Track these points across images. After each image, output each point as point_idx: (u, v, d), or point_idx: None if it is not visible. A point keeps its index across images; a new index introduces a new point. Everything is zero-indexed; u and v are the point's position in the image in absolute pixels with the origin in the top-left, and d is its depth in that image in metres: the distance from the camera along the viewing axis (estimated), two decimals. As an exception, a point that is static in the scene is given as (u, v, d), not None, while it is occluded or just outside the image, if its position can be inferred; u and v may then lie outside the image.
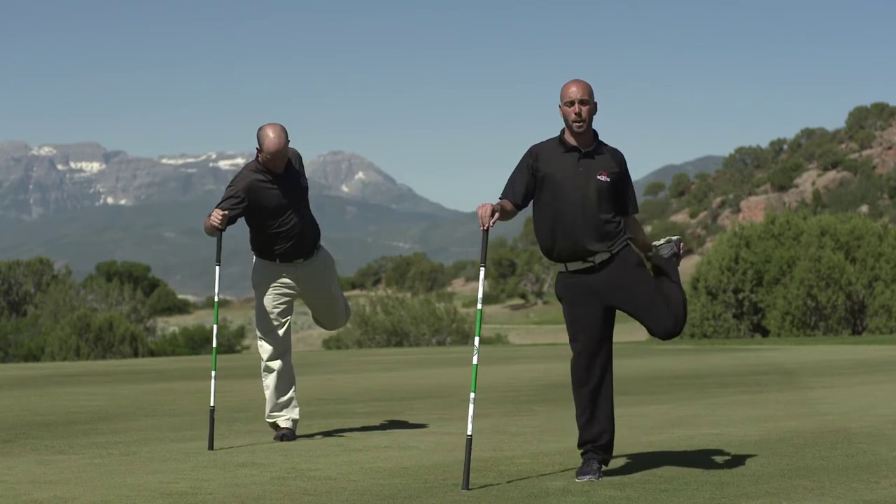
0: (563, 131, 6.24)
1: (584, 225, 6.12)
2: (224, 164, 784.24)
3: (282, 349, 7.91)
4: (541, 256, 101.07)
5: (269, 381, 7.91)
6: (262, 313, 7.93)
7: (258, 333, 7.98)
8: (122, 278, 74.49)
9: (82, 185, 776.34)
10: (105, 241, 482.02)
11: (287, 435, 7.83)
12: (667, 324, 6.19)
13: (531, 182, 6.21)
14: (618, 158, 6.24)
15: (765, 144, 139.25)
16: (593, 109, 6.17)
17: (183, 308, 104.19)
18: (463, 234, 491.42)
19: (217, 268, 7.80)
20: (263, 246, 7.90)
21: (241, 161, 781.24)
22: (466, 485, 5.82)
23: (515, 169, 6.25)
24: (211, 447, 7.31)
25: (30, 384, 13.85)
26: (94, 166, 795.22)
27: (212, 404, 7.66)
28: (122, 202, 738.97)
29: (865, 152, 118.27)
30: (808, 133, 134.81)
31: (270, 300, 7.91)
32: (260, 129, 7.67)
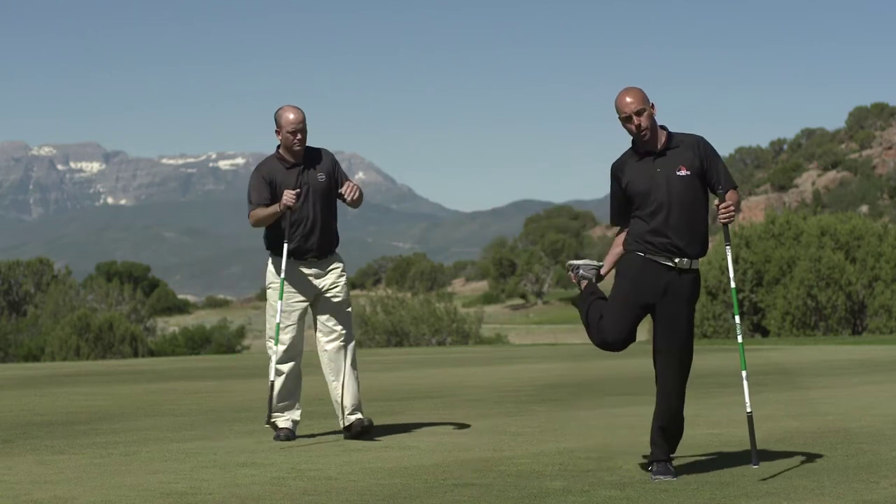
0: (633, 140, 6.25)
1: (676, 225, 6.09)
2: (224, 164, 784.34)
3: (293, 352, 7.83)
4: (541, 257, 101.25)
5: (276, 383, 7.83)
6: (273, 313, 7.81)
7: (268, 335, 7.89)
8: (122, 278, 74.55)
9: (82, 185, 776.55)
10: (105, 241, 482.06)
11: (287, 434, 7.82)
12: (666, 378, 6.35)
13: (625, 199, 6.23)
14: (695, 147, 6.19)
15: (765, 144, 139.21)
16: (650, 114, 6.14)
17: (183, 308, 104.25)
18: (463, 234, 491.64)
19: (286, 244, 7.66)
20: (276, 236, 7.78)
21: (240, 161, 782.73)
22: (756, 460, 6.26)
23: (610, 194, 6.30)
24: (269, 422, 7.72)
25: (30, 384, 13.85)
26: (94, 166, 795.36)
27: (271, 378, 7.74)
28: (122, 202, 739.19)
29: (865, 152, 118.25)
30: (808, 133, 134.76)
31: (283, 300, 7.77)
32: (279, 109, 7.71)
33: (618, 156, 6.34)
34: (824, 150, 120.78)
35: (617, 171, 6.25)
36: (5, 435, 8.22)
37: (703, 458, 6.80)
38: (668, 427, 6.25)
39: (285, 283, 7.76)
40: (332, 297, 7.80)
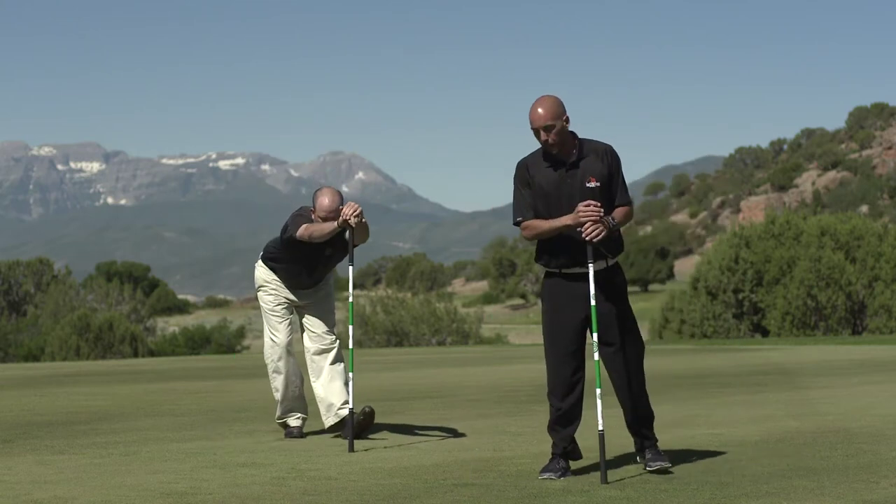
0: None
1: (579, 236, 6.12)
2: (224, 164, 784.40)
3: (287, 350, 7.96)
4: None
5: (278, 384, 7.96)
6: (265, 313, 8.02)
7: (266, 334, 8.05)
8: (122, 278, 74.51)
9: (82, 185, 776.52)
10: (105, 241, 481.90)
11: (295, 432, 7.93)
12: (621, 383, 6.30)
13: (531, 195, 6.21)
14: (604, 157, 6.19)
15: (765, 144, 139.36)
16: (562, 129, 6.09)
17: (183, 308, 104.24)
18: (463, 234, 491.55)
19: (350, 267, 7.66)
20: (278, 260, 7.96)
21: (240, 161, 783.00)
22: (605, 479, 5.97)
23: (515, 190, 6.23)
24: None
25: (30, 384, 13.85)
26: (94, 166, 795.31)
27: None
28: (122, 202, 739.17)
29: (865, 152, 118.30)
30: (808, 133, 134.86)
31: (272, 299, 8.00)
32: (316, 191, 7.74)
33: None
34: (824, 150, 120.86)
35: (526, 166, 6.22)
36: (5, 435, 8.22)
37: (703, 458, 6.79)
38: (649, 433, 6.42)
39: (273, 284, 7.99)
40: (316, 301, 8.00)
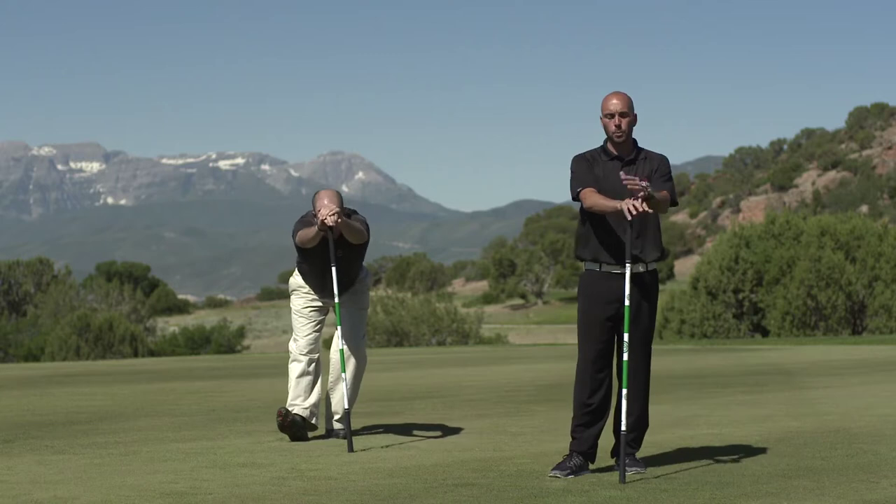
0: (605, 142, 6.40)
1: (635, 230, 6.22)
2: (224, 164, 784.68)
3: (308, 349, 7.95)
4: (541, 257, 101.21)
5: (292, 374, 7.95)
6: (292, 314, 8.05)
7: (293, 336, 8.08)
8: (122, 278, 74.60)
9: (82, 185, 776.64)
10: (105, 241, 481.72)
11: (297, 420, 7.85)
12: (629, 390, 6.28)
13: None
14: (657, 163, 6.36)
15: (765, 144, 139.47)
16: (633, 121, 6.33)
17: (183, 308, 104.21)
18: (463, 234, 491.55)
19: (333, 268, 7.66)
20: (302, 269, 8.01)
21: (240, 161, 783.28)
22: (623, 479, 6.01)
23: (577, 169, 6.33)
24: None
25: (30, 384, 13.86)
26: (94, 166, 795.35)
27: (346, 407, 7.60)
28: (122, 202, 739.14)
29: (865, 152, 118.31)
30: (808, 133, 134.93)
31: (302, 302, 8.01)
32: (315, 193, 7.78)
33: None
34: (824, 150, 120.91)
35: (585, 159, 6.36)
36: (5, 435, 8.23)
37: (703, 458, 6.80)
38: (640, 435, 6.50)
39: (305, 288, 7.99)
40: (348, 304, 7.93)
